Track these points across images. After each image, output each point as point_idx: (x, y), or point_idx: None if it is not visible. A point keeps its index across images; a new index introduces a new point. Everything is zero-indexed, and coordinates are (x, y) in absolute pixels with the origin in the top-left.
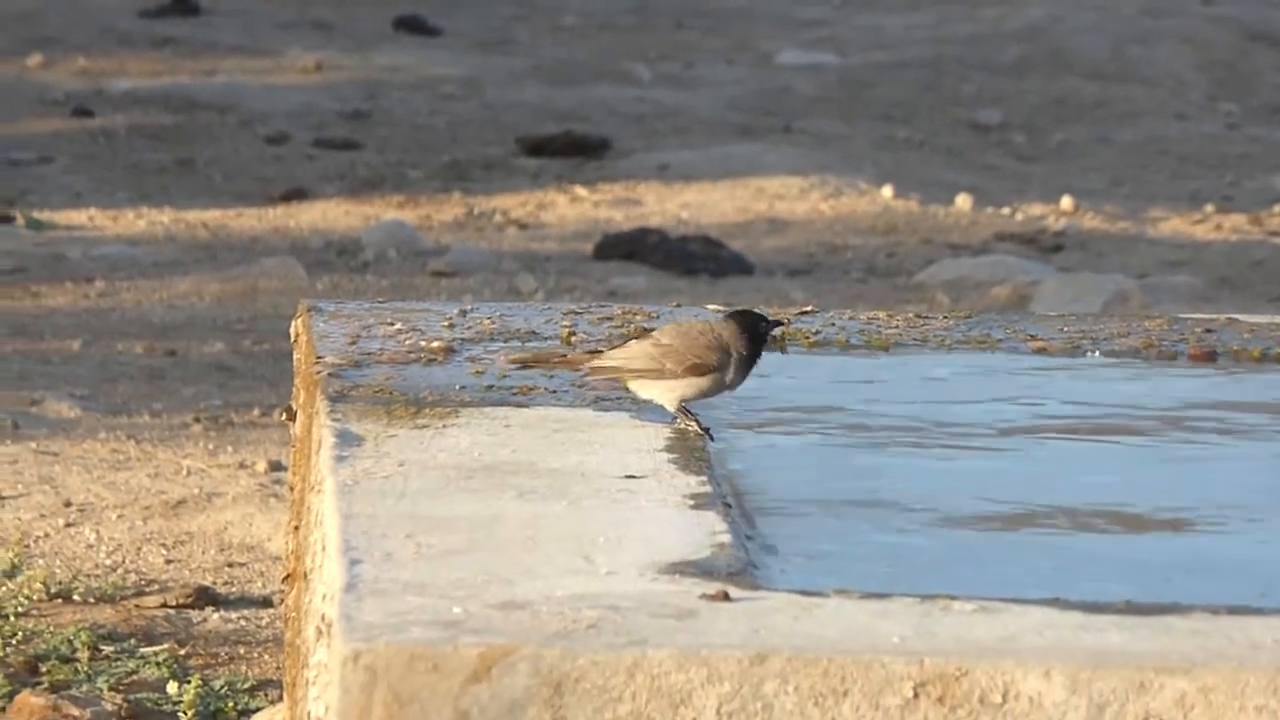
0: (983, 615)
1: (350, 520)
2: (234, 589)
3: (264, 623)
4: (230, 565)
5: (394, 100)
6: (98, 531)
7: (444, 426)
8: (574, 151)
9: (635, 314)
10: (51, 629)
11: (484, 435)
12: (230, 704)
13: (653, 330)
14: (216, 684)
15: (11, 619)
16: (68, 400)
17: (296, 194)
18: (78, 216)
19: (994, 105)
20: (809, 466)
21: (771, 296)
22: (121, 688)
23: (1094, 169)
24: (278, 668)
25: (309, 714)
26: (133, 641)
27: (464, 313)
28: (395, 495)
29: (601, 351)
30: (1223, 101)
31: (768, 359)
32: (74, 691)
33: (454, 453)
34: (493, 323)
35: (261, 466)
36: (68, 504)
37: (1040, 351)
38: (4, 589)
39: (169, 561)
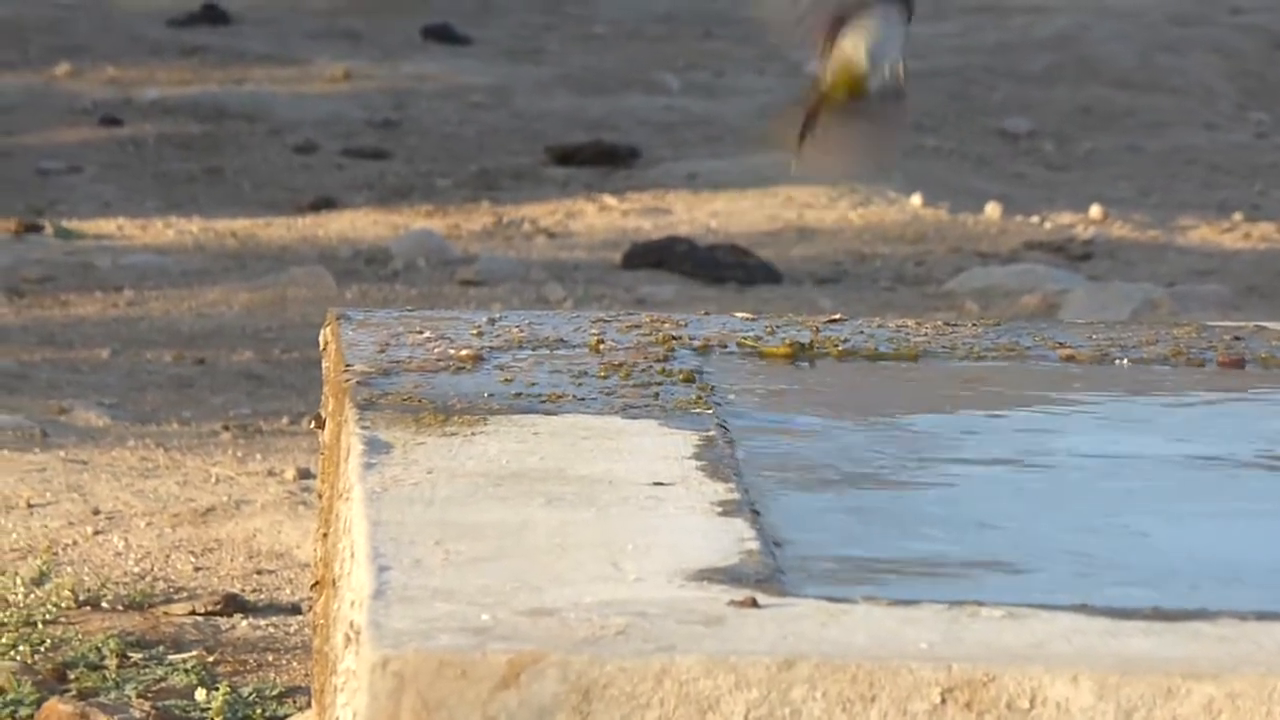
0: (1010, 621)
1: (379, 527)
2: (262, 596)
3: (292, 630)
4: (259, 572)
5: (423, 109)
6: (126, 539)
7: (472, 434)
8: (603, 160)
9: (663, 322)
10: (80, 636)
11: (512, 443)
12: (258, 711)
13: None
14: (245, 691)
15: (40, 626)
16: (96, 409)
17: (325, 203)
18: (106, 226)
19: (1022, 114)
20: (838, 473)
21: (800, 305)
22: (150, 695)
23: (1123, 177)
24: (306, 674)
25: None
26: (161, 649)
27: (492, 321)
28: (424, 502)
29: None
30: (1252, 110)
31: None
32: (102, 699)
33: (482, 460)
34: (521, 331)
35: (290, 474)
36: (96, 512)
37: (1069, 359)
38: (32, 596)
39: (197, 569)
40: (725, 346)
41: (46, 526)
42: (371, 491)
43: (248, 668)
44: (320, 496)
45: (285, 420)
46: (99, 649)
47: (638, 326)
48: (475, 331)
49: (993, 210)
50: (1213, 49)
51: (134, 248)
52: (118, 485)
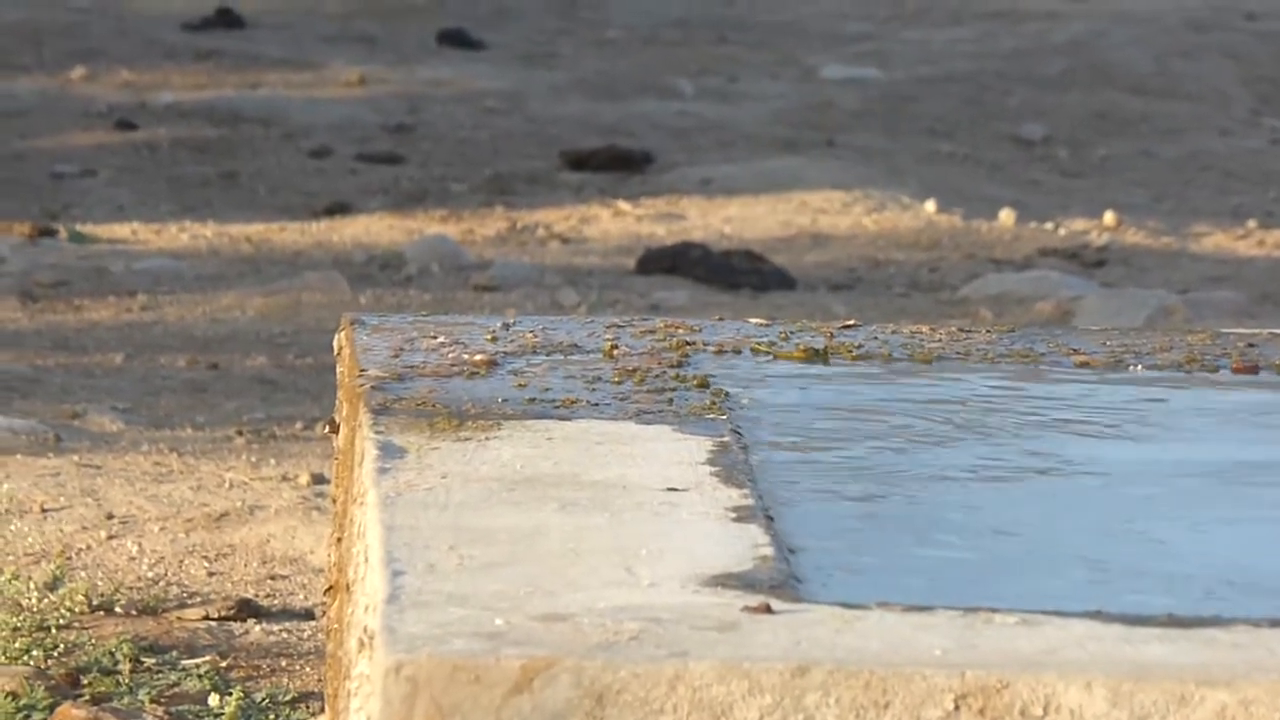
0: (1024, 628)
1: (393, 532)
2: (276, 601)
3: (306, 635)
4: (272, 578)
5: (437, 114)
6: (140, 544)
7: (486, 439)
8: (617, 165)
9: (678, 327)
10: (93, 641)
11: (526, 448)
12: (272, 716)
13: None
14: (258, 696)
15: (53, 631)
16: (110, 413)
17: (340, 208)
18: (120, 230)
19: (1037, 120)
20: (852, 479)
21: (814, 311)
22: (163, 700)
23: (1137, 184)
24: (319, 680)
25: None
26: (174, 654)
27: (506, 326)
28: (438, 507)
29: None
30: (1267, 117)
31: (808, 370)
32: (115, 704)
33: (496, 465)
34: (535, 336)
35: (304, 479)
36: (110, 516)
37: (1083, 365)
38: (46, 601)
39: (211, 574)
40: (739, 352)
41: (60, 531)
42: (386, 496)
43: (261, 673)
44: (334, 501)
45: (299, 425)
46: (112, 654)
47: (652, 332)
48: (489, 336)
49: (1007, 217)
50: (1228, 55)
51: (148, 252)
52: (131, 490)
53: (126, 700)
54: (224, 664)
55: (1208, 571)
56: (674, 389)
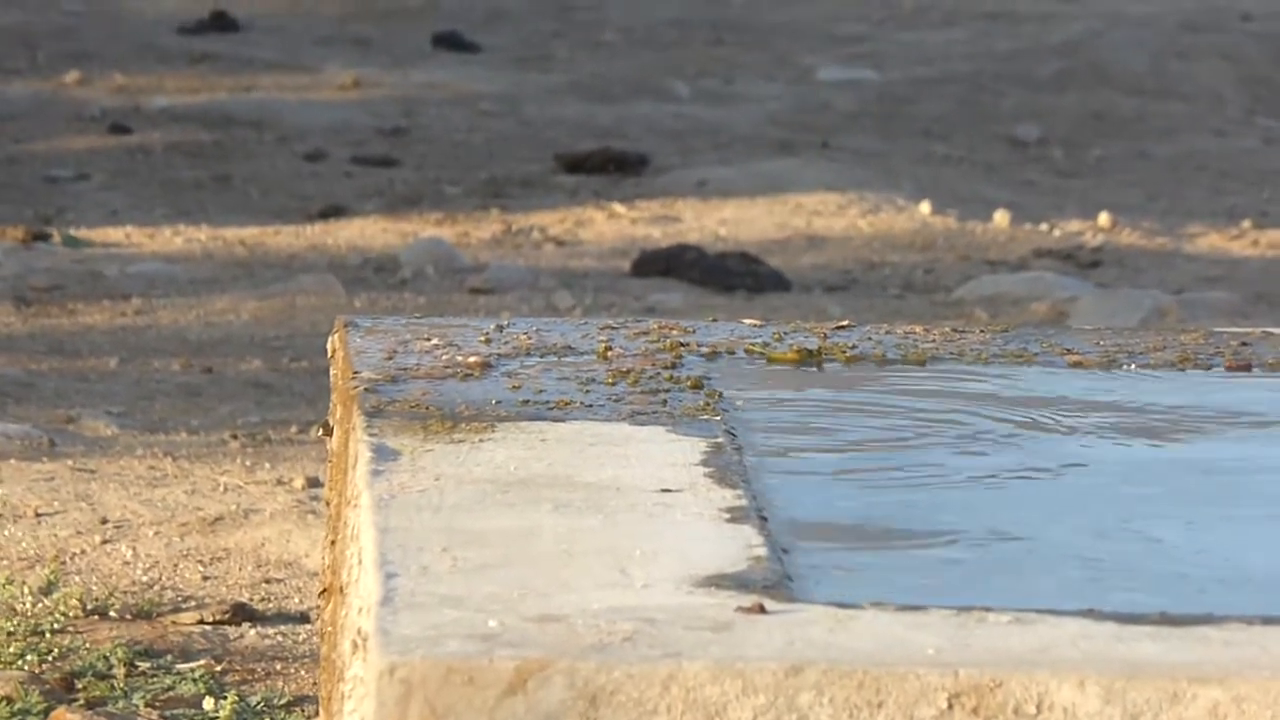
0: (1018, 626)
1: (386, 534)
2: (271, 605)
3: (301, 638)
4: (267, 581)
5: (432, 117)
6: (134, 548)
7: (480, 441)
8: (612, 168)
9: (672, 329)
10: (88, 645)
11: (520, 449)
12: (267, 719)
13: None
14: (253, 700)
15: (47, 636)
16: (104, 418)
17: (334, 211)
18: (114, 234)
19: (1032, 121)
20: (845, 479)
21: (809, 313)
22: (158, 704)
23: (1132, 185)
24: (314, 683)
25: None
26: (169, 658)
27: (500, 328)
28: (431, 509)
29: None
30: (1261, 117)
31: (801, 376)
32: (110, 708)
33: (490, 467)
34: (529, 338)
35: (299, 483)
36: (104, 521)
37: (1076, 365)
38: (40, 606)
39: (206, 578)
40: (733, 353)
41: (54, 535)
42: (379, 498)
43: (256, 677)
44: (328, 504)
45: (294, 429)
46: (107, 658)
47: (646, 333)
48: (483, 339)
49: (1001, 218)
50: (1223, 56)
51: (142, 256)
52: (125, 494)
53: (121, 704)
54: (219, 668)
55: (1200, 570)
56: (668, 390)
